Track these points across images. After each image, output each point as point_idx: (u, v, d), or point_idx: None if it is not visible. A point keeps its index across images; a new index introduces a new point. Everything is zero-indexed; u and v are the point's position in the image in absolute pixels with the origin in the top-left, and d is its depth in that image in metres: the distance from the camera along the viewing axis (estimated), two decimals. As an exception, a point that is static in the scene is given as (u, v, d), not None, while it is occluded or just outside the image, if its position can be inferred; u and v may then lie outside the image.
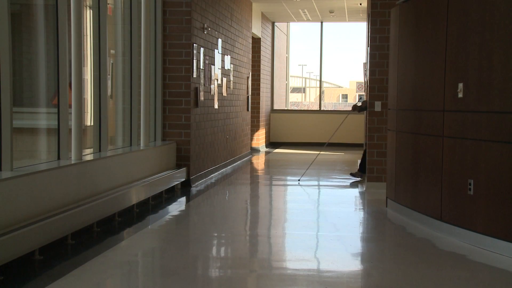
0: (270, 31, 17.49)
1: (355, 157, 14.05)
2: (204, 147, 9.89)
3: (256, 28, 15.11)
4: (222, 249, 5.82)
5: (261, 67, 16.05)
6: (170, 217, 7.13)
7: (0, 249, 4.36)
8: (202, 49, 9.46)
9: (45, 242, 5.03)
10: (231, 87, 11.95)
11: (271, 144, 17.48)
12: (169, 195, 8.22)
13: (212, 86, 10.22)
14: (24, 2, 6.51)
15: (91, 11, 6.99)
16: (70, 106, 6.15)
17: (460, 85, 5.71)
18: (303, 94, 42.87)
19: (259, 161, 13.66)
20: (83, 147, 6.38)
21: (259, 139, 16.06)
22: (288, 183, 9.79)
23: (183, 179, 8.80)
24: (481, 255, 5.27)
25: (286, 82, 20.40)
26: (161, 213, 7.19)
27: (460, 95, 5.72)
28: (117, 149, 7.64)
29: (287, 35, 20.03)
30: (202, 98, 9.52)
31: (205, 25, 9.67)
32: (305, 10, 15.70)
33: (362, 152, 12.03)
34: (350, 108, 11.00)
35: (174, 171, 8.49)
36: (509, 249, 5.16)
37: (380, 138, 8.87)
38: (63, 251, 5.26)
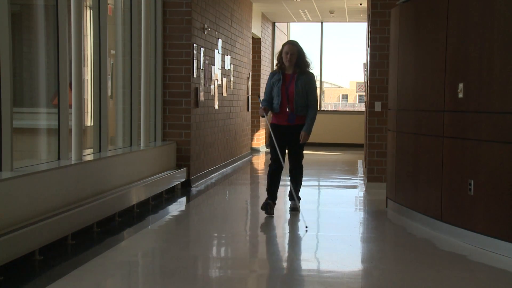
0: (270, 31, 17.48)
1: (355, 157, 14.06)
2: (204, 147, 9.89)
3: (256, 28, 15.11)
4: (222, 249, 5.82)
5: (261, 67, 16.05)
6: (170, 217, 7.13)
7: (0, 249, 4.36)
8: (202, 49, 9.46)
9: (45, 242, 5.03)
10: (231, 87, 11.95)
11: (271, 144, 17.45)
12: (169, 195, 8.21)
13: (212, 86, 10.22)
14: (24, 2, 6.51)
15: (91, 11, 6.99)
16: (70, 106, 6.15)
17: (460, 85, 5.71)
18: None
19: (259, 162, 13.66)
20: (83, 147, 6.38)
21: (259, 139, 16.06)
22: (288, 183, 9.78)
23: (183, 179, 8.80)
24: (481, 255, 5.27)
25: (286, 82, 20.36)
26: (161, 213, 7.19)
27: (460, 95, 5.72)
28: (117, 149, 7.63)
29: (287, 35, 20.03)
30: (202, 98, 9.52)
31: (205, 25, 9.67)
32: (305, 10, 15.69)
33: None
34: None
35: (174, 171, 8.49)
36: (509, 249, 5.16)
37: (380, 138, 8.87)
38: (63, 251, 5.26)
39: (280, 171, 6.93)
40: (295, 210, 7.03)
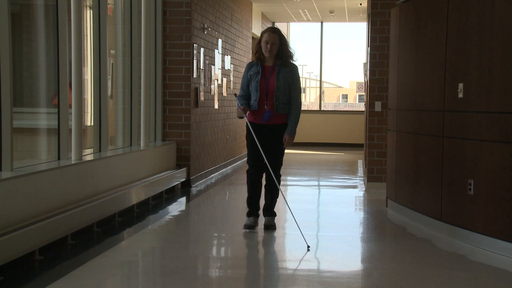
0: (270, 31, 17.46)
1: (355, 157, 14.05)
2: (204, 147, 9.89)
3: (256, 28, 15.11)
4: (222, 249, 5.82)
5: (261, 67, 16.03)
6: (170, 217, 7.13)
7: (0, 249, 4.36)
8: (202, 49, 9.46)
9: (45, 242, 5.03)
10: (231, 87, 11.95)
11: (271, 144, 17.45)
12: (169, 195, 8.21)
13: (212, 86, 10.22)
14: (24, 2, 6.51)
15: (91, 11, 6.99)
16: (70, 106, 6.15)
17: (460, 85, 5.71)
18: (303, 94, 42.85)
19: (259, 161, 13.64)
20: (83, 147, 6.39)
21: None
22: (288, 183, 9.79)
23: (183, 179, 8.80)
24: (481, 255, 5.27)
25: (286, 82, 20.31)
26: (161, 213, 7.19)
27: (460, 95, 5.72)
28: (117, 149, 7.64)
29: (287, 35, 20.01)
30: (202, 98, 9.52)
31: (205, 25, 9.67)
32: (305, 10, 15.70)
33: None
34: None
35: (174, 171, 8.49)
36: (509, 249, 5.16)
37: (380, 138, 8.88)
38: (63, 251, 5.26)
39: (260, 177, 6.09)
40: (270, 228, 6.07)
